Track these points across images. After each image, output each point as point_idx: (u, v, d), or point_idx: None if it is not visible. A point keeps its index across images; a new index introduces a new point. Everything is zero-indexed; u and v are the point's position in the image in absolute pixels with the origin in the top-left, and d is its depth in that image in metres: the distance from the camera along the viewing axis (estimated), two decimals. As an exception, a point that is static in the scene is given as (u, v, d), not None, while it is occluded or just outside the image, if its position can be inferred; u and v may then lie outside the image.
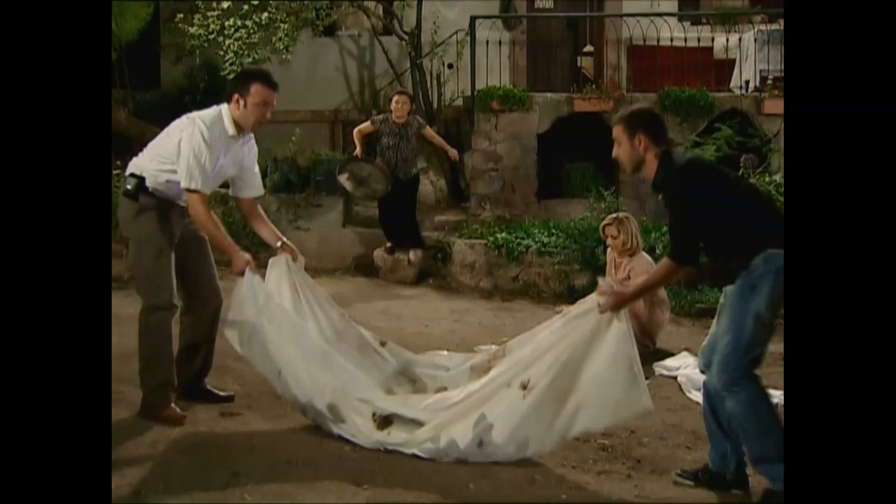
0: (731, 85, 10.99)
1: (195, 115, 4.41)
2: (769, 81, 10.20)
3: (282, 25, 10.63)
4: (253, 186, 4.77)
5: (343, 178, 8.99)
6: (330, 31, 12.58)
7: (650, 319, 6.45)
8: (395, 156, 8.96)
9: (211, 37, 10.62)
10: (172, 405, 4.52)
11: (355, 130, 9.06)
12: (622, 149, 3.92)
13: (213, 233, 4.44)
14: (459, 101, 11.90)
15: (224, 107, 4.42)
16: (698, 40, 10.67)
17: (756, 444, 3.69)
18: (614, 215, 6.93)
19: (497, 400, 4.09)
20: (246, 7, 10.55)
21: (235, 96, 4.36)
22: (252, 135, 4.59)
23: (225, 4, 10.47)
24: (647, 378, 5.59)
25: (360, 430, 4.25)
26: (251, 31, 10.54)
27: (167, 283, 4.46)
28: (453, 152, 9.50)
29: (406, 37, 11.49)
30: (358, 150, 8.96)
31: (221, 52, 10.78)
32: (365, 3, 11.66)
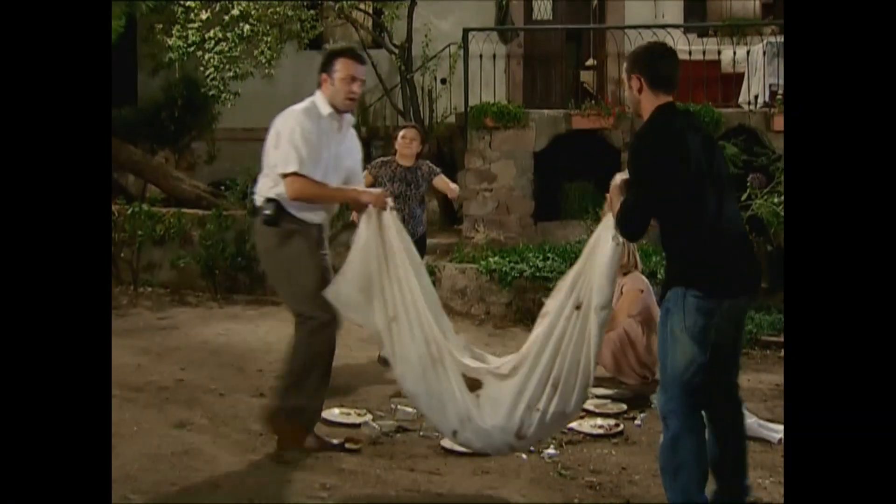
0: (740, 100, 11.00)
1: (288, 109, 4.49)
2: (779, 96, 10.20)
3: (264, 38, 10.66)
4: (361, 176, 4.89)
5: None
6: (317, 43, 12.62)
7: (649, 347, 6.41)
8: (403, 208, 6.88)
9: (190, 49, 10.67)
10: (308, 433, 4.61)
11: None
12: (627, 91, 3.77)
13: (331, 195, 4.52)
14: (452, 118, 11.92)
15: (315, 94, 4.52)
16: (703, 53, 10.68)
17: (668, 479, 3.70)
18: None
19: (560, 331, 4.12)
20: (227, 18, 10.59)
21: (323, 76, 4.48)
22: (352, 122, 4.67)
23: (204, 15, 10.51)
24: (642, 411, 5.62)
25: (458, 386, 4.27)
26: (233, 43, 10.58)
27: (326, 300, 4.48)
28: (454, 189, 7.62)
29: (396, 50, 11.53)
30: (354, 215, 7.40)
31: (202, 67, 10.83)
32: (353, 14, 11.69)
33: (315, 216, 4.50)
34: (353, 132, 4.72)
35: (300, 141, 4.30)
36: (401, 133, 7.17)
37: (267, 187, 4.46)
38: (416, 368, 4.30)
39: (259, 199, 4.49)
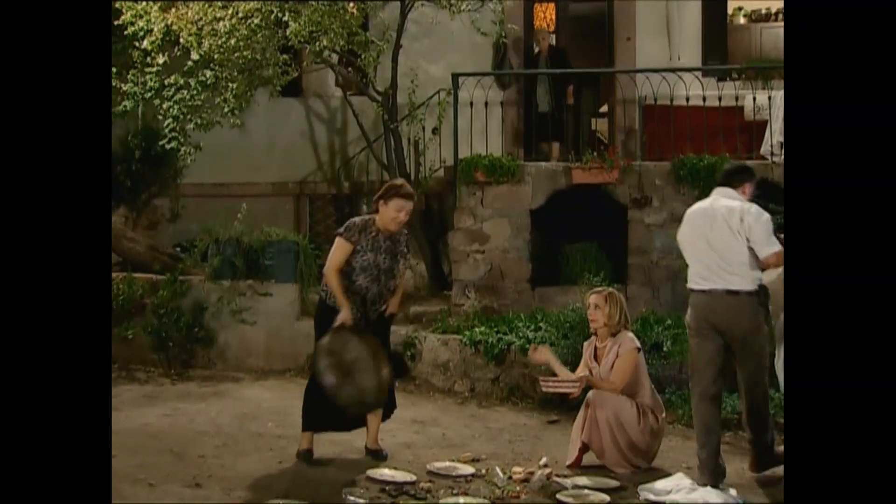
0: (762, 150, 10.96)
1: (734, 209, 6.03)
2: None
3: (230, 85, 10.69)
4: None
5: (321, 367, 6.12)
6: (293, 90, 12.70)
7: (642, 431, 6.25)
8: (379, 281, 6.34)
9: (148, 95, 10.73)
10: None
11: (330, 269, 6.31)
12: None
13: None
14: (441, 172, 11.91)
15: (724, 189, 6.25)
16: (719, 99, 10.64)
17: None
18: (602, 287, 6.87)
19: None
20: (190, 63, 10.65)
21: (745, 186, 6.26)
22: None
23: (161, 59, 10.58)
24: None
25: None
26: (195, 91, 10.62)
27: None
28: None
29: (379, 98, 11.56)
30: (345, 313, 6.16)
31: (160, 116, 10.88)
32: (332, 58, 11.74)
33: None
34: None
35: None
36: (399, 204, 6.30)
37: (746, 274, 5.89)
38: None
39: (752, 284, 5.89)
